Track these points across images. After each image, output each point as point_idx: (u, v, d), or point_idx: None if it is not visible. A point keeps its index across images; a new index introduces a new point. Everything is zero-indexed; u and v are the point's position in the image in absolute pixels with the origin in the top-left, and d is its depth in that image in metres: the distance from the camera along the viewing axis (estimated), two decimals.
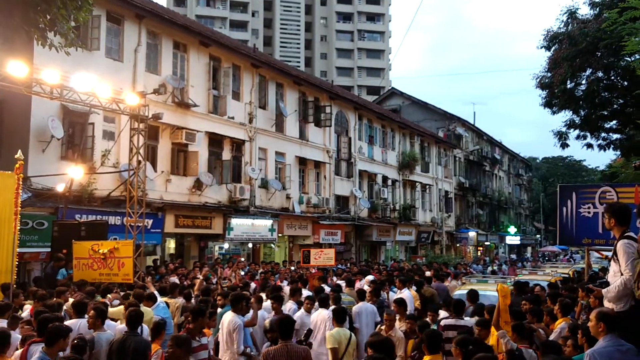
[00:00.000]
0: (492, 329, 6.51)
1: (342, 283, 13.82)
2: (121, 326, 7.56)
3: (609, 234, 5.70)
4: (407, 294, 11.71)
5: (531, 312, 7.92)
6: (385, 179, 35.20)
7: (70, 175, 14.98)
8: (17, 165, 10.27)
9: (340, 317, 7.63)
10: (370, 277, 15.25)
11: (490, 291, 10.53)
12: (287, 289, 12.24)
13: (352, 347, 7.37)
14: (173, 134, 19.92)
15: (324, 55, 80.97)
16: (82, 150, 16.96)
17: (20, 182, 10.54)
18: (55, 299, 8.86)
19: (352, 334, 7.61)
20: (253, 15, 76.58)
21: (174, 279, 14.60)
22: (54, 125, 15.43)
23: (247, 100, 23.89)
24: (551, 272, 17.12)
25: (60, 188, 15.04)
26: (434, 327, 7.93)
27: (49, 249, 14.19)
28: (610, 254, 5.81)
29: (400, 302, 9.03)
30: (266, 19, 79.15)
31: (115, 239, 14.66)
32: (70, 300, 9.00)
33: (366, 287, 12.04)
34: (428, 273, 17.23)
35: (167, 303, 9.51)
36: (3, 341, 6.08)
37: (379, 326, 7.91)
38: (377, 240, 33.81)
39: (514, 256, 50.78)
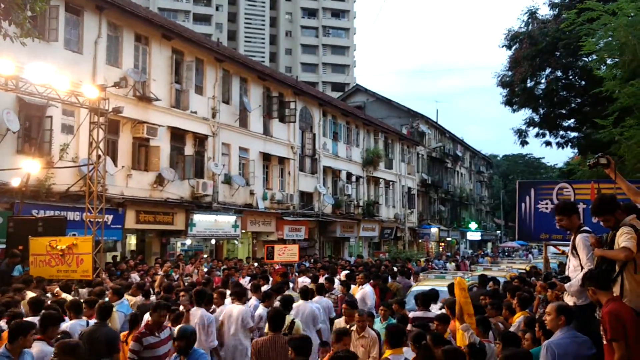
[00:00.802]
0: (457, 322, 6.59)
1: (307, 280, 13.84)
2: (73, 322, 7.40)
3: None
4: (369, 289, 11.81)
5: (490, 305, 8.09)
6: (349, 175, 35.35)
7: (27, 169, 14.59)
8: None
9: (285, 305, 8.26)
10: (346, 272, 15.40)
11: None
12: (249, 285, 12.22)
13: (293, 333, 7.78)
14: (134, 128, 19.58)
15: (289, 50, 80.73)
16: (40, 144, 16.52)
17: None
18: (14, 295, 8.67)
19: (295, 321, 8.01)
20: (217, 9, 75.75)
21: (135, 276, 14.39)
22: (9, 118, 14.98)
23: (210, 94, 23.64)
24: (506, 268, 17.30)
25: (15, 183, 14.63)
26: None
27: (3, 246, 13.80)
28: (567, 248, 5.93)
29: (352, 305, 8.52)
30: (230, 13, 78.40)
31: (74, 234, 14.37)
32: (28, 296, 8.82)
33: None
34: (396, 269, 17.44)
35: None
36: None
37: (349, 326, 7.81)
38: (341, 236, 33.96)
39: (469, 251, 51.63)
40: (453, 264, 28.17)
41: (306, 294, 9.54)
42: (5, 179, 14.80)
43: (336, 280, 13.43)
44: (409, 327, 8.00)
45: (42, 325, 6.13)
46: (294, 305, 8.83)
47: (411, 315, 8.56)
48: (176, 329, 6.11)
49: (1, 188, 14.88)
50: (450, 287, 9.49)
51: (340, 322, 8.26)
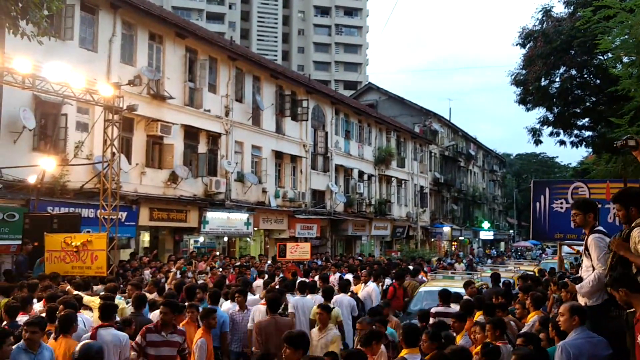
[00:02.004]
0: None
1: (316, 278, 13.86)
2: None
3: (581, 229, 5.78)
4: (373, 286, 11.81)
5: (501, 305, 8.11)
6: (361, 173, 35.32)
7: (42, 166, 14.74)
8: None
9: (327, 296, 9.06)
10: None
11: (455, 287, 10.74)
12: (261, 282, 12.29)
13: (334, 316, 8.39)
14: (148, 126, 19.70)
15: (302, 49, 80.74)
16: (55, 141, 16.68)
17: None
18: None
19: (336, 309, 8.73)
20: (230, 7, 75.96)
21: (147, 272, 14.49)
22: (26, 116, 15.13)
23: (224, 93, 23.72)
24: (514, 269, 17.08)
25: (31, 180, 14.79)
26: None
27: (19, 242, 13.93)
28: (581, 248, 5.88)
29: (326, 308, 7.84)
30: (243, 12, 78.54)
31: (89, 231, 14.47)
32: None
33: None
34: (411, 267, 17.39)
35: None
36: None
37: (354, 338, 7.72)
38: (352, 235, 33.93)
39: (480, 249, 51.27)
40: (462, 264, 27.67)
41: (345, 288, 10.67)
42: (22, 176, 14.95)
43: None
44: (430, 320, 8.09)
45: (105, 314, 6.62)
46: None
47: (433, 310, 8.81)
48: (78, 347, 5.51)
49: (17, 185, 15.04)
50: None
51: (314, 332, 7.61)
